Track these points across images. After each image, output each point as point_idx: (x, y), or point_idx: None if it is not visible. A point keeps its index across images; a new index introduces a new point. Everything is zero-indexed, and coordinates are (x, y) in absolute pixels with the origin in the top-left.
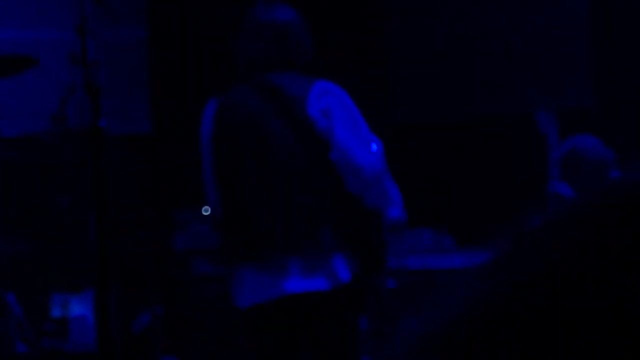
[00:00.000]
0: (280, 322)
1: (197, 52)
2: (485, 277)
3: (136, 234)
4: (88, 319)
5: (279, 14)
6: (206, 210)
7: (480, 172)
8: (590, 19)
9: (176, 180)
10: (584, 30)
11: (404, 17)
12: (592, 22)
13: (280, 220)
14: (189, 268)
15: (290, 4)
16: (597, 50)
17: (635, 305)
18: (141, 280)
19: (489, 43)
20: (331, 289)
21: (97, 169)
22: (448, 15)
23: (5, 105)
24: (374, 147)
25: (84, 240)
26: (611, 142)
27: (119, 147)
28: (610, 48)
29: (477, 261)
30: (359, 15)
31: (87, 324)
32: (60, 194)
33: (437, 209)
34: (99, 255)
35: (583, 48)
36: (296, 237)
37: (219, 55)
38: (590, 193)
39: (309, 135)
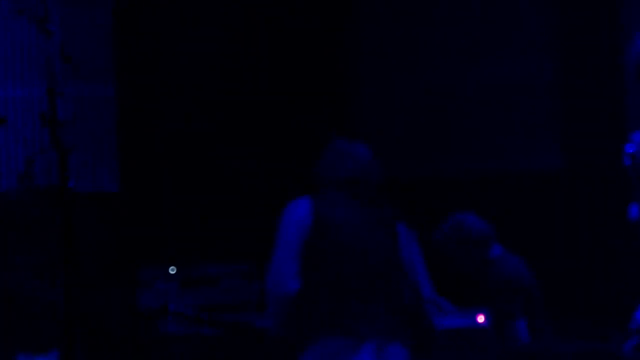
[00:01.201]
0: None
1: (166, 112)
2: None
3: (102, 293)
4: None
5: (359, 149)
6: (172, 270)
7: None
8: (559, 85)
9: (142, 240)
10: (554, 95)
11: (371, 73)
12: (562, 88)
13: (369, 311)
14: (155, 327)
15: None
16: (566, 114)
17: None
18: (107, 340)
19: (457, 101)
20: None
21: (64, 228)
22: (416, 73)
23: None
24: None
25: (50, 300)
26: (578, 202)
27: (87, 206)
28: (578, 112)
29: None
30: (323, 73)
31: None
32: (26, 252)
33: None
34: (65, 315)
35: (552, 112)
36: (378, 324)
37: (187, 115)
38: None
39: (397, 249)
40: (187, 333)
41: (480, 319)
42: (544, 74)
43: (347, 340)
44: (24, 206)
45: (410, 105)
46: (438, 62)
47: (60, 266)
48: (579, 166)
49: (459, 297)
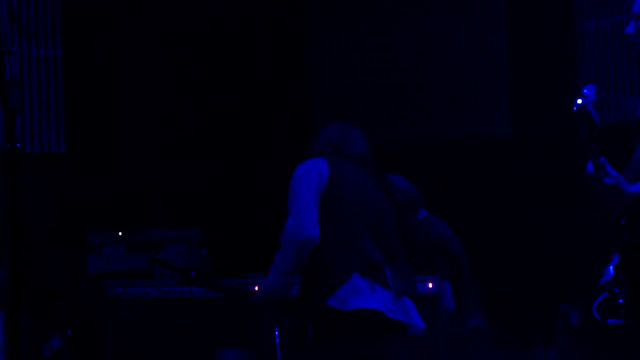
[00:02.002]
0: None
1: (113, 72)
2: None
3: (49, 256)
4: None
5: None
6: (120, 233)
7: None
8: (509, 55)
9: (90, 202)
10: (503, 67)
11: (327, 46)
12: (510, 58)
13: (383, 252)
14: (102, 290)
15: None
16: (514, 84)
17: None
18: (53, 303)
19: (413, 72)
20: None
21: (10, 189)
22: (371, 40)
23: None
24: None
25: None
26: (526, 169)
27: (34, 167)
28: (526, 83)
29: None
30: (280, 42)
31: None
32: None
33: None
34: (10, 278)
35: (502, 82)
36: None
37: (133, 75)
38: None
39: (393, 209)
40: (133, 296)
41: (430, 285)
42: (494, 44)
43: (373, 282)
44: None
45: (362, 76)
46: (389, 32)
47: (5, 228)
48: (526, 134)
49: None
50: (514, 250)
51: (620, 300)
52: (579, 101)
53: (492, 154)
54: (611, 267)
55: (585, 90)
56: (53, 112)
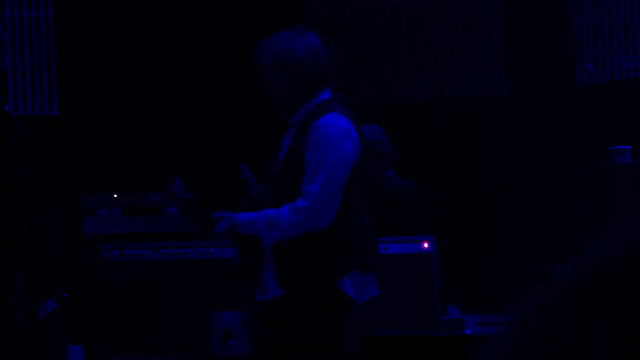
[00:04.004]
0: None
1: (105, 32)
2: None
3: (43, 219)
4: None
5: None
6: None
7: (409, 157)
8: (505, 14)
9: (85, 165)
10: (500, 26)
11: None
12: (506, 17)
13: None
14: (98, 253)
15: None
16: (511, 43)
17: None
18: (48, 266)
19: (409, 30)
20: None
21: (2, 153)
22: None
23: None
24: None
25: None
26: (522, 126)
27: (25, 129)
28: (522, 42)
29: None
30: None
31: None
32: None
33: None
34: (3, 240)
35: (498, 41)
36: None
37: (127, 35)
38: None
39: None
40: (129, 259)
41: (425, 245)
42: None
43: (371, 275)
44: None
45: (359, 33)
46: None
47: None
48: (523, 93)
49: None
50: (508, 210)
51: None
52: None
53: (490, 112)
54: None
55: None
56: (45, 74)
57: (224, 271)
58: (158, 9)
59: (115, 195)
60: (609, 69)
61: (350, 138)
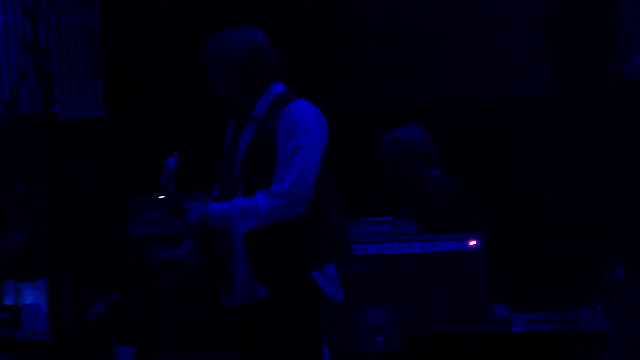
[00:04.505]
0: None
1: (151, 36)
2: None
3: (91, 221)
4: (41, 307)
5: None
6: (162, 198)
7: (453, 158)
8: (548, 10)
9: (131, 167)
10: (543, 23)
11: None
12: (552, 15)
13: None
14: (144, 255)
15: None
16: (554, 41)
17: None
18: (97, 268)
19: (454, 30)
20: None
21: (50, 155)
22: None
23: None
24: None
25: (38, 228)
26: (560, 127)
27: (73, 132)
28: (566, 40)
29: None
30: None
31: (40, 312)
32: (13, 180)
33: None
34: (52, 243)
35: (542, 38)
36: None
37: (173, 39)
38: None
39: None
40: (176, 260)
41: (473, 242)
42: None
43: (340, 269)
44: (10, 134)
45: (400, 35)
46: None
47: (46, 194)
48: (565, 91)
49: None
50: (555, 208)
51: None
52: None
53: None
54: None
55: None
56: (92, 77)
57: None
58: (205, 11)
59: (161, 197)
60: None
61: (320, 123)
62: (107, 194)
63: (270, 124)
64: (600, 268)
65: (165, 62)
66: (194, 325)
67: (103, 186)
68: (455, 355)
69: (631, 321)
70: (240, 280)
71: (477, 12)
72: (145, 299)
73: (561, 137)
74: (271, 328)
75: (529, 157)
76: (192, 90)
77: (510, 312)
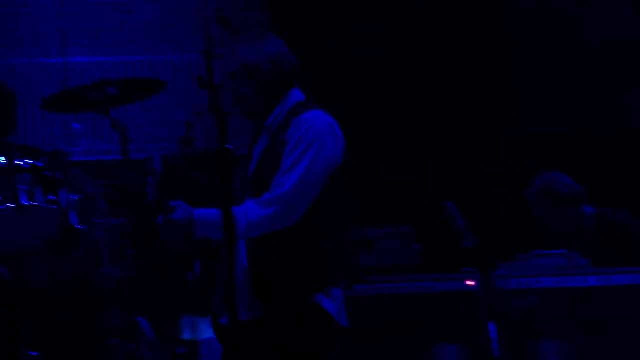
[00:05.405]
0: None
1: (321, 70)
2: None
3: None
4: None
5: None
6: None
7: (615, 186)
8: None
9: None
10: None
11: (532, 27)
12: None
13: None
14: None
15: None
16: None
17: None
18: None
19: (615, 53)
20: None
21: (225, 190)
22: (574, 25)
23: (135, 128)
24: None
25: (210, 262)
26: None
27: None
28: None
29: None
30: (487, 26)
31: (216, 347)
32: None
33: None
34: (225, 276)
35: None
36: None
37: (356, 72)
38: None
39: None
40: (348, 294)
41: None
42: None
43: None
44: (185, 170)
45: (566, 59)
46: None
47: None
48: None
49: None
50: None
51: None
52: None
53: None
54: None
55: None
56: None
57: (443, 305)
58: (384, 41)
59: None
60: None
61: (334, 135)
62: None
63: (281, 135)
64: None
65: (348, 95)
66: (378, 358)
67: None
68: None
69: None
70: (239, 295)
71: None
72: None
73: None
74: (266, 351)
75: None
76: (373, 122)
77: None
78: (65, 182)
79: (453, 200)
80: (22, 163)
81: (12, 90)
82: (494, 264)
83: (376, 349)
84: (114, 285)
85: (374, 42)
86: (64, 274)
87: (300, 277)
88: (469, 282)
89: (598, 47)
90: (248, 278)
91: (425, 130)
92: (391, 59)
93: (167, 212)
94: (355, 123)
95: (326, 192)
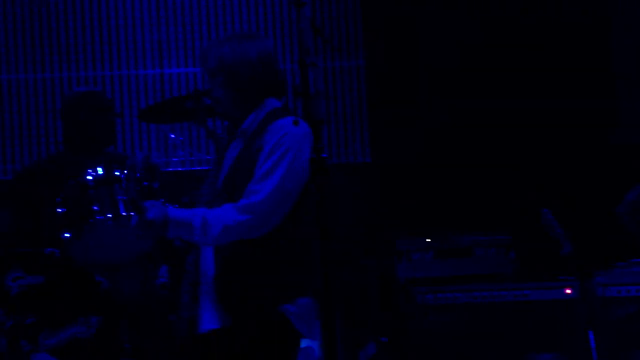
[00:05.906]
0: None
1: (415, 79)
2: None
3: (361, 263)
4: (314, 349)
5: None
6: (428, 240)
7: None
8: None
9: (397, 210)
10: None
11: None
12: None
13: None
14: (413, 297)
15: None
16: None
17: None
18: (367, 310)
19: None
20: None
21: (320, 200)
22: None
23: None
24: None
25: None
26: None
27: (341, 177)
28: None
29: None
30: (583, 33)
31: (313, 355)
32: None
33: None
34: (324, 285)
35: None
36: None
37: (436, 83)
38: None
39: None
40: (443, 302)
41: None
42: None
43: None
44: None
45: None
46: None
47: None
48: None
49: None
50: None
51: None
52: None
53: None
54: None
55: None
56: (357, 122)
57: (540, 313)
58: (464, 52)
59: (427, 239)
60: None
61: (310, 142)
62: (375, 237)
63: (258, 140)
64: None
65: (426, 105)
66: None
67: (371, 230)
68: None
69: None
70: (205, 304)
71: None
72: (414, 341)
73: None
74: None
75: None
76: (454, 134)
77: None
78: (162, 193)
79: (550, 208)
80: (120, 173)
81: (111, 101)
82: (592, 271)
83: (472, 357)
84: None
85: (474, 49)
86: (155, 285)
87: (267, 287)
88: (567, 291)
89: None
90: (214, 287)
91: (523, 137)
92: (489, 67)
93: (141, 212)
94: (454, 131)
95: (296, 201)
